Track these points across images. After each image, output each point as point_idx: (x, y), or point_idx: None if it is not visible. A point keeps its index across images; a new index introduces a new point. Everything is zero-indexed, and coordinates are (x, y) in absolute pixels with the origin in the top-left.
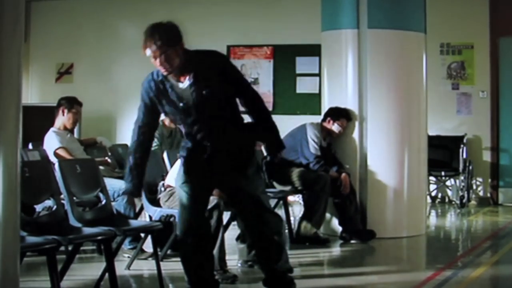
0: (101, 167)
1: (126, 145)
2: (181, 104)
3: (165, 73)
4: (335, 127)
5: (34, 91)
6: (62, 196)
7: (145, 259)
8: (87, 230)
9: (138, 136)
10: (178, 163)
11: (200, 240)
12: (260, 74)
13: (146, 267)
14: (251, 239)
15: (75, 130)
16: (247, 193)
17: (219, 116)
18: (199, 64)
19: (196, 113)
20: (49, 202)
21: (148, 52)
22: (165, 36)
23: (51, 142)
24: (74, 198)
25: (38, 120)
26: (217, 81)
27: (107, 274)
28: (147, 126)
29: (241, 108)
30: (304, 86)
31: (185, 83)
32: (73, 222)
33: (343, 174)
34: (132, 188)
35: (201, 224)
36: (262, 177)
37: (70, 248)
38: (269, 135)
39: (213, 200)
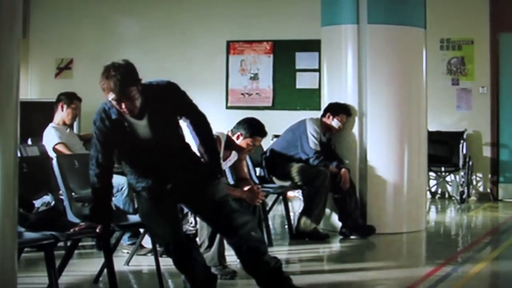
0: None
1: None
2: (141, 141)
3: (128, 114)
4: (334, 123)
5: (34, 87)
6: (60, 191)
7: (144, 254)
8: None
9: (97, 186)
10: None
11: (183, 245)
12: (259, 69)
13: (145, 262)
14: (231, 244)
15: (75, 126)
16: (211, 200)
17: (176, 146)
18: (154, 99)
19: (156, 147)
20: (48, 198)
21: (112, 96)
22: (129, 77)
23: (50, 138)
24: (73, 193)
25: (37, 116)
26: (172, 113)
27: (106, 270)
28: (106, 170)
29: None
30: (304, 81)
31: (143, 120)
32: (71, 217)
33: (343, 170)
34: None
35: (177, 231)
36: (223, 181)
37: (69, 243)
38: (211, 157)
39: None
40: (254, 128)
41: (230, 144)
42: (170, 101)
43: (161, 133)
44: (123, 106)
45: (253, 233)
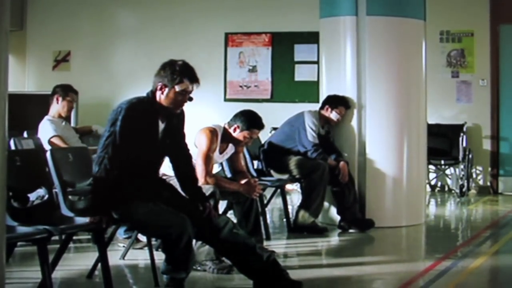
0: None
1: None
2: (154, 141)
3: (177, 111)
4: (333, 115)
5: (31, 79)
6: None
7: (141, 248)
8: (80, 220)
9: (106, 178)
10: None
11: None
12: (258, 61)
13: (141, 257)
14: (218, 250)
15: (72, 118)
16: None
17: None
18: (172, 113)
19: (159, 153)
20: (41, 191)
21: (193, 88)
22: None
23: (46, 131)
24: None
25: (35, 109)
26: (176, 132)
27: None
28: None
29: None
30: (302, 73)
31: (163, 124)
32: (65, 211)
33: (342, 163)
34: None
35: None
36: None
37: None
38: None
39: (208, 189)
40: (251, 121)
41: (227, 137)
42: (179, 120)
43: (168, 142)
44: (180, 98)
45: (235, 231)
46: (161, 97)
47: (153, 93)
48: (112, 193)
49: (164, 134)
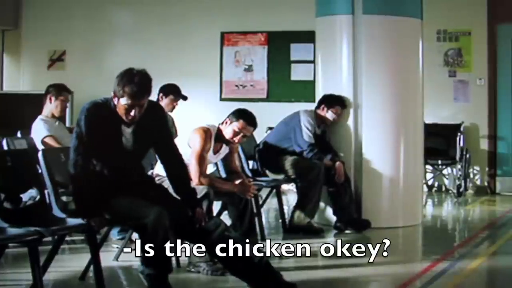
0: None
1: None
2: (120, 146)
3: (129, 121)
4: (329, 115)
5: (26, 79)
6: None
7: (134, 249)
8: (72, 221)
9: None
10: None
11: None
12: (254, 61)
13: (135, 258)
14: (210, 253)
15: (67, 118)
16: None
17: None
18: (145, 113)
19: (129, 158)
20: (33, 192)
21: (128, 101)
22: (149, 85)
23: (39, 131)
24: (59, 188)
25: (30, 108)
26: (152, 134)
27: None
28: (88, 163)
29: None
30: (298, 73)
31: (129, 129)
32: (56, 212)
33: (338, 163)
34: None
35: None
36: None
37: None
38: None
39: (202, 190)
40: (241, 112)
41: (221, 137)
42: (155, 121)
43: (139, 146)
44: (132, 113)
45: (226, 233)
46: (115, 105)
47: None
48: (95, 192)
49: (134, 138)
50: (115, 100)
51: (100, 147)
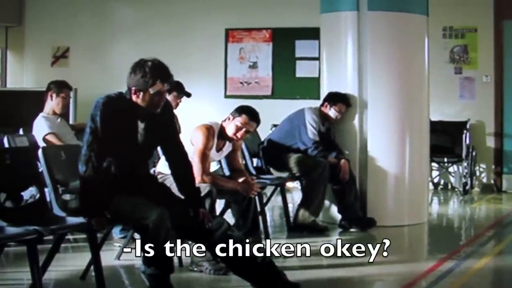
0: None
1: None
2: (133, 141)
3: (157, 111)
4: (331, 112)
5: (29, 76)
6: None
7: (135, 249)
8: (72, 220)
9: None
10: None
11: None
12: (259, 57)
13: (137, 257)
14: (212, 253)
15: (70, 115)
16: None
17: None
18: (152, 113)
19: (140, 153)
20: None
21: (168, 86)
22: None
23: (40, 128)
24: (59, 186)
25: (33, 105)
26: (162, 131)
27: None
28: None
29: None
30: (303, 70)
31: (142, 124)
32: (57, 211)
33: (343, 160)
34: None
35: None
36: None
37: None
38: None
39: (205, 188)
40: (243, 108)
41: (224, 134)
42: (165, 118)
43: (150, 143)
44: (157, 99)
45: (229, 233)
46: (137, 100)
47: (130, 93)
48: (102, 192)
49: (146, 134)
50: (138, 96)
51: (115, 143)
